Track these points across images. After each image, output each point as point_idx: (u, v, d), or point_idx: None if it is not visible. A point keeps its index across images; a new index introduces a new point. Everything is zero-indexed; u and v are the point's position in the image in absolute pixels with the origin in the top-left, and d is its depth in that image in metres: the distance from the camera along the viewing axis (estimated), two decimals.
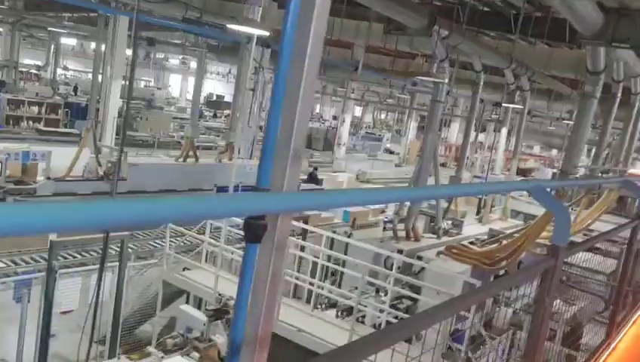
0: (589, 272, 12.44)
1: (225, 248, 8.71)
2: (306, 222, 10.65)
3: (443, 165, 34.96)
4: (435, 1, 13.12)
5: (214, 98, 52.71)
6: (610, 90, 11.06)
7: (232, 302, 6.89)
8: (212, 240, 9.14)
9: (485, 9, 13.42)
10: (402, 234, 10.13)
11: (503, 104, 15.16)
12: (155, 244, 12.07)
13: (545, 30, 12.06)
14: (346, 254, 9.72)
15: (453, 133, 42.30)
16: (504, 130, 16.71)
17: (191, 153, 14.96)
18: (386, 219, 10.14)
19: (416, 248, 9.78)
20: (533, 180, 3.54)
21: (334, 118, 56.95)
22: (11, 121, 23.60)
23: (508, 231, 11.27)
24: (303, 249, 9.45)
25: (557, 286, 2.68)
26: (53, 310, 7.59)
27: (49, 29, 30.42)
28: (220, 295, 7.50)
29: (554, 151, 45.33)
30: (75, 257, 10.75)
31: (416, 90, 29.64)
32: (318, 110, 59.27)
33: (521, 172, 20.71)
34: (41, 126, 24.31)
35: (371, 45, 19.31)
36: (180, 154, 15.10)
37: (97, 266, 7.37)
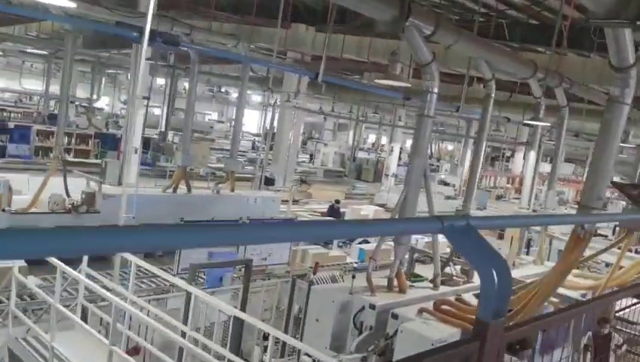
0: None
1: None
2: None
3: (500, 197, 32.04)
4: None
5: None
6: None
7: None
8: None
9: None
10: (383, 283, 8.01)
11: (527, 121, 12.66)
12: None
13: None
14: (306, 305, 7.77)
15: (519, 163, 39.07)
16: (532, 154, 14.08)
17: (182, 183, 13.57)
18: (356, 265, 8.05)
19: (396, 302, 7.61)
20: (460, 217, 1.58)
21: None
22: (40, 152, 23.31)
23: (531, 280, 8.89)
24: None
25: None
26: None
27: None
28: None
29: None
30: None
31: (470, 117, 27.30)
32: (373, 139, 57.45)
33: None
34: (70, 157, 23.87)
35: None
36: (170, 184, 13.70)
37: None
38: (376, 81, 9.56)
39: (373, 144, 55.52)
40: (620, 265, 8.13)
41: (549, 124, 12.58)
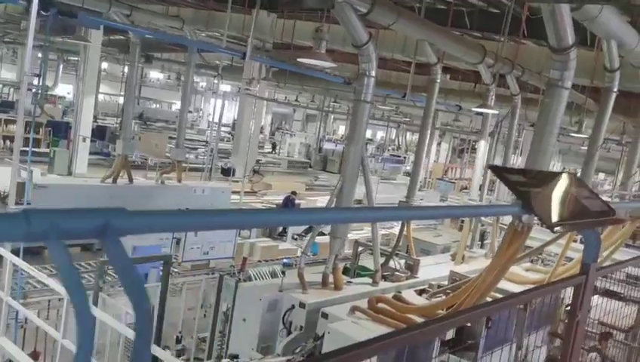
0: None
1: None
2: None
3: (465, 188, 31.87)
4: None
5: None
6: None
7: None
8: None
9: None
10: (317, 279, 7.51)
11: (474, 108, 12.22)
12: None
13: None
14: (233, 304, 7.24)
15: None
16: (482, 143, 13.68)
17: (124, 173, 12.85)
18: (285, 260, 7.54)
19: (329, 300, 7.13)
20: None
21: (370, 139, 54.52)
22: None
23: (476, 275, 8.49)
24: None
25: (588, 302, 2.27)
26: None
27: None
28: None
29: (601, 176, 41.25)
30: None
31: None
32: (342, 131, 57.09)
33: None
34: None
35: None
36: (110, 174, 12.99)
37: None
38: (299, 60, 9.00)
39: (342, 135, 55.13)
40: (565, 258, 7.79)
41: (496, 112, 12.19)
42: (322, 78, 18.80)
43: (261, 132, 49.43)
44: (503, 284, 8.67)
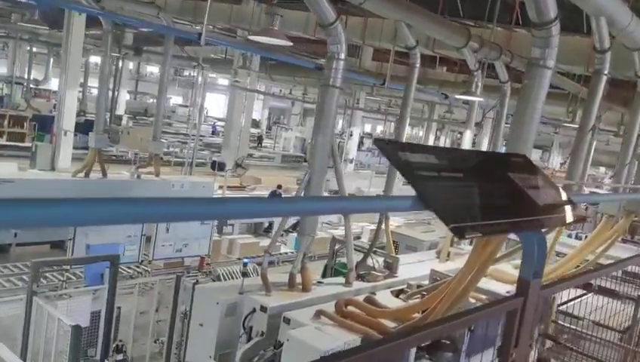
0: (598, 327, 9.05)
1: None
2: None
3: None
4: None
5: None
6: None
7: None
8: None
9: None
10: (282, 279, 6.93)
11: (458, 96, 11.58)
12: None
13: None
14: (191, 308, 6.67)
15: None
16: (468, 133, 13.02)
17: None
18: (246, 259, 6.95)
19: (293, 303, 6.54)
20: None
21: (369, 134, 53.79)
22: None
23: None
24: None
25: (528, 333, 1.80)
26: None
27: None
28: None
29: (601, 170, 40.54)
30: None
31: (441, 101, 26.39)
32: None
33: None
34: (3, 140, 22.36)
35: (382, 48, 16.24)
36: (82, 168, 12.42)
37: None
38: (250, 37, 8.38)
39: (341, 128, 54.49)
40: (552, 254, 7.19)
41: (481, 99, 11.55)
42: (305, 67, 18.14)
43: (258, 126, 48.96)
44: (489, 284, 8.12)
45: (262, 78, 27.80)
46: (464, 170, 1.34)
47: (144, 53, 26.96)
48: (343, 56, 6.64)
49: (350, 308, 6.46)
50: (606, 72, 6.57)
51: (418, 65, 8.47)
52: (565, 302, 8.38)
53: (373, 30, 14.65)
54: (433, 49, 13.75)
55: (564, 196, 1.80)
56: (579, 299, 8.54)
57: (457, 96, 12.33)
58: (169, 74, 15.19)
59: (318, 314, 6.19)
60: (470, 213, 1.21)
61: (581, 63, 12.07)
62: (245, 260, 6.75)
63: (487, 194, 1.35)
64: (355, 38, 14.75)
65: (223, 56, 27.24)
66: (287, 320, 6.08)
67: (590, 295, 8.42)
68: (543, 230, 1.86)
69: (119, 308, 7.16)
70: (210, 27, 18.67)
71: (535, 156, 44.58)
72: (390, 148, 1.23)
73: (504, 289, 7.90)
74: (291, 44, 8.09)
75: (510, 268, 9.49)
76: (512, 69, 11.15)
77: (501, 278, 8.61)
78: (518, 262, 8.06)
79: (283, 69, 24.84)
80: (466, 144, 12.66)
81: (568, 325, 9.97)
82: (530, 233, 1.49)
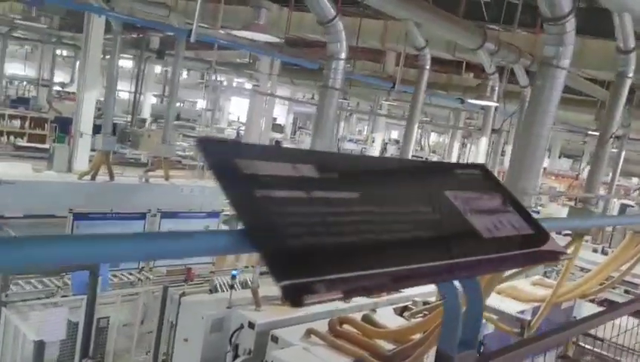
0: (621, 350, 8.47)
1: None
2: None
3: None
4: None
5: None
6: None
7: None
8: None
9: None
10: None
11: (471, 100, 10.94)
12: None
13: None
14: (176, 322, 6.28)
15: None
16: (483, 140, 12.32)
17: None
18: (235, 271, 6.54)
19: (284, 320, 6.08)
20: None
21: (397, 141, 53.04)
22: None
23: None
24: None
25: None
26: None
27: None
28: None
29: (634, 180, 39.06)
30: None
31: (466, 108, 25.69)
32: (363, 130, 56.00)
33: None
34: (23, 142, 22.46)
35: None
36: (89, 171, 12.19)
37: None
38: (232, 32, 7.96)
39: (366, 135, 54.01)
40: (569, 273, 6.60)
41: (496, 104, 10.89)
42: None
43: (282, 131, 48.72)
44: (502, 303, 7.54)
45: (283, 83, 27.48)
46: (350, 188, 0.89)
47: (166, 57, 26.85)
48: (343, 55, 6.20)
49: (345, 327, 6.00)
50: (630, 75, 6.00)
51: (428, 66, 7.94)
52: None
53: (392, 34, 14.17)
54: (454, 53, 13.19)
55: (534, 225, 1.32)
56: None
57: (470, 101, 11.73)
58: (191, 77, 15.01)
59: (309, 333, 5.73)
60: (333, 259, 0.76)
61: (608, 68, 11.41)
62: (234, 272, 6.32)
63: (385, 225, 0.89)
64: (374, 41, 14.28)
65: (247, 60, 27.01)
66: (276, 339, 5.64)
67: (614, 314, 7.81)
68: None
69: (107, 318, 6.82)
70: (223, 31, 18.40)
71: (566, 165, 43.28)
72: (214, 150, 0.79)
73: (516, 308, 7.35)
74: (278, 39, 7.68)
75: (527, 284, 8.91)
76: (533, 73, 10.58)
77: (517, 296, 8.05)
78: (536, 277, 7.43)
79: (305, 73, 24.49)
80: (481, 152, 12.05)
81: (591, 347, 9.31)
82: (456, 282, 1.01)
